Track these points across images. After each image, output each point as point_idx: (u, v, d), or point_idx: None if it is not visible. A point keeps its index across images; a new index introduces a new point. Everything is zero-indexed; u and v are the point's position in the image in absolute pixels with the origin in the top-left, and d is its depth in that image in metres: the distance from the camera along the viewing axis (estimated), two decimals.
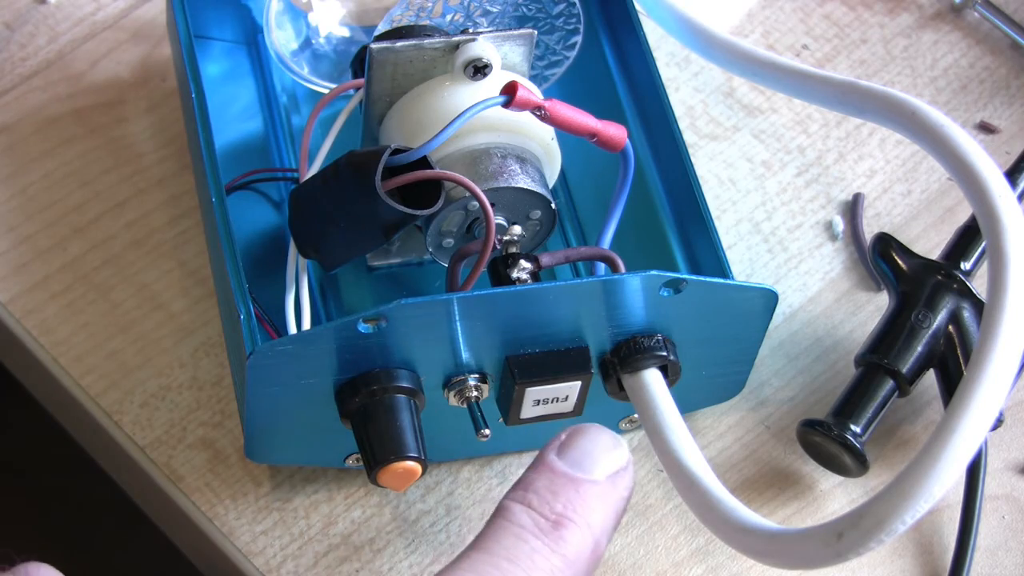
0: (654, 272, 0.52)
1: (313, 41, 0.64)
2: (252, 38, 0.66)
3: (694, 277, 0.53)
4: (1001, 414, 0.59)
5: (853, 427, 0.57)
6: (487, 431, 0.54)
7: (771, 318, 0.56)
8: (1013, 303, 0.49)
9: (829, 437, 0.58)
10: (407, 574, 0.57)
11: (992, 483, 0.59)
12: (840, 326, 0.63)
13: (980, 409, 0.47)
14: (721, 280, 0.54)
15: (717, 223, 0.65)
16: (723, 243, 0.65)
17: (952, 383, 0.59)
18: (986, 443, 0.59)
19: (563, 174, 0.63)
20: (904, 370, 0.58)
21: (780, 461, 0.60)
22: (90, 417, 0.60)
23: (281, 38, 0.64)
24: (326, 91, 0.63)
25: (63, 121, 0.66)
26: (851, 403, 0.58)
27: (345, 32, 0.65)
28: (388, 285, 0.60)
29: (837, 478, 0.60)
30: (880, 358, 0.59)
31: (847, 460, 0.58)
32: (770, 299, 0.55)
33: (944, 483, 0.46)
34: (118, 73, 0.68)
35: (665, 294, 0.53)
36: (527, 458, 0.59)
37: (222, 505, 0.58)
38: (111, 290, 0.62)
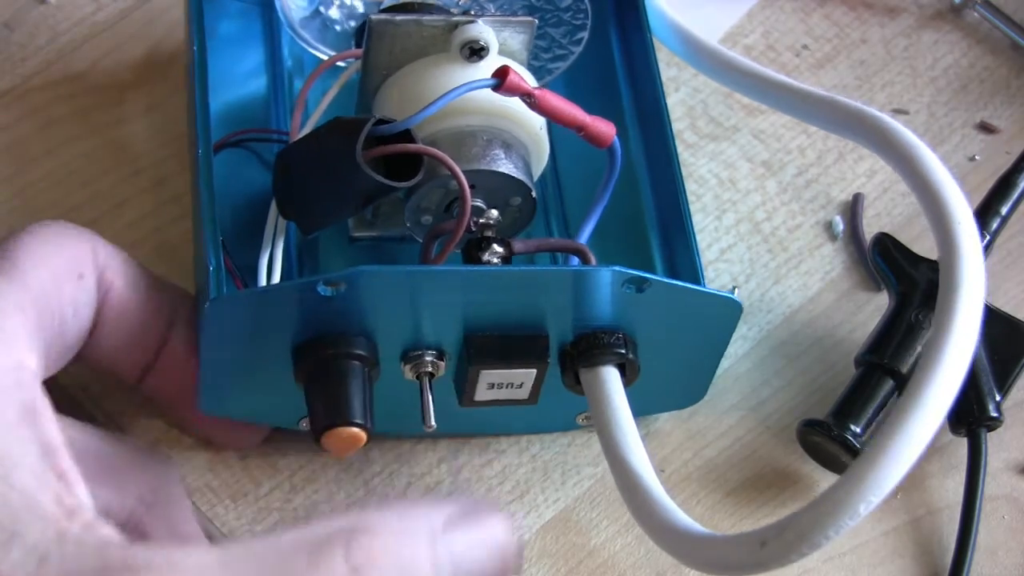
0: (616, 268, 0.52)
1: (324, 10, 0.64)
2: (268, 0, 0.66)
3: (657, 278, 0.53)
4: (1001, 414, 0.59)
5: (853, 427, 0.58)
6: (431, 418, 0.54)
7: (734, 328, 0.56)
8: (961, 313, 0.50)
9: (829, 437, 0.58)
10: None
11: (992, 483, 0.59)
12: (840, 326, 0.63)
13: (910, 433, 0.47)
14: (683, 284, 0.54)
15: (717, 223, 0.65)
16: (723, 243, 0.65)
17: None
18: (986, 443, 0.59)
19: (555, 167, 0.63)
20: (904, 370, 0.58)
21: (780, 461, 0.60)
22: (90, 417, 0.60)
23: (292, 2, 0.64)
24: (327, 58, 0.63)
25: (63, 121, 0.66)
26: (851, 403, 0.58)
27: (358, 4, 0.65)
28: (368, 256, 0.60)
29: (837, 478, 0.59)
30: (880, 358, 0.59)
31: (847, 460, 0.58)
32: (734, 309, 0.55)
33: (869, 503, 0.47)
34: (118, 73, 0.68)
35: (627, 291, 0.53)
36: (527, 458, 0.59)
37: (222, 505, 0.58)
38: None
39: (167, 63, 0.68)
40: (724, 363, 0.62)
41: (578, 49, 0.62)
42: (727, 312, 0.55)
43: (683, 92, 0.69)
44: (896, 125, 0.57)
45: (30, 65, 0.68)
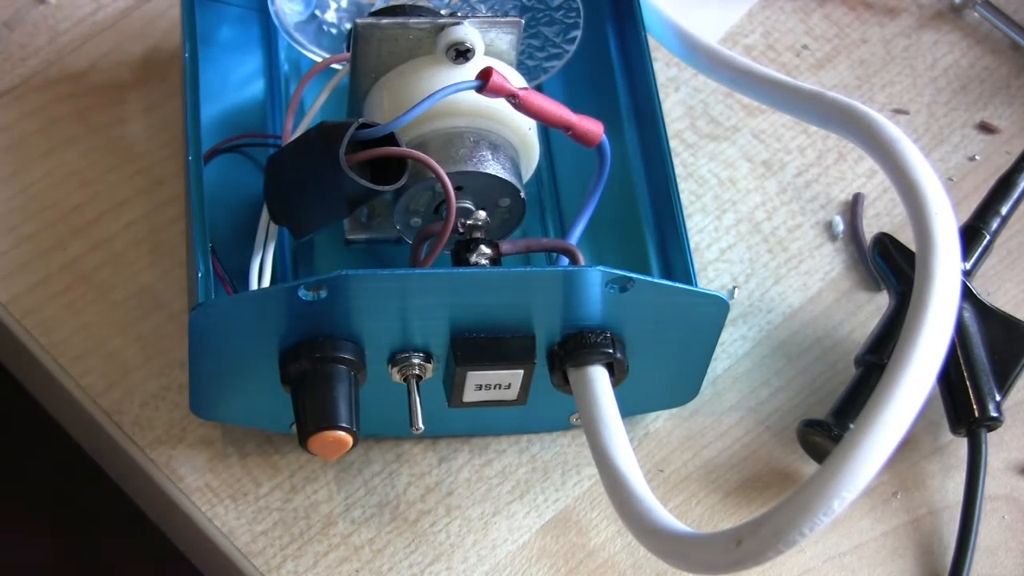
0: (602, 268, 0.52)
1: (320, 13, 0.64)
2: (264, 5, 0.66)
3: (640, 277, 0.53)
4: (1001, 414, 0.59)
5: (853, 427, 0.57)
6: (420, 420, 0.54)
7: (722, 326, 0.56)
8: (933, 309, 0.50)
9: (829, 437, 0.58)
10: (407, 574, 0.57)
11: (992, 483, 0.59)
12: (840, 326, 0.63)
13: (883, 428, 0.47)
14: (667, 283, 0.54)
15: (717, 223, 0.65)
16: (723, 243, 0.65)
17: (951, 383, 0.59)
18: (986, 443, 0.59)
19: (551, 166, 0.63)
20: None
21: (780, 461, 0.60)
22: (90, 417, 0.60)
23: (287, 7, 0.64)
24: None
25: (63, 121, 0.66)
26: (851, 403, 0.58)
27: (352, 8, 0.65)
28: (363, 259, 0.60)
29: None
30: (880, 358, 0.59)
31: None
32: (721, 307, 0.55)
33: (843, 498, 0.47)
34: (118, 73, 0.68)
35: (612, 291, 0.53)
36: (527, 458, 0.59)
37: (222, 505, 0.58)
38: (111, 290, 0.62)
39: (167, 63, 0.68)
40: (724, 363, 0.62)
41: (572, 47, 0.62)
42: (714, 310, 0.55)
43: (683, 92, 0.69)
44: (879, 118, 0.56)
45: (30, 65, 0.68)
